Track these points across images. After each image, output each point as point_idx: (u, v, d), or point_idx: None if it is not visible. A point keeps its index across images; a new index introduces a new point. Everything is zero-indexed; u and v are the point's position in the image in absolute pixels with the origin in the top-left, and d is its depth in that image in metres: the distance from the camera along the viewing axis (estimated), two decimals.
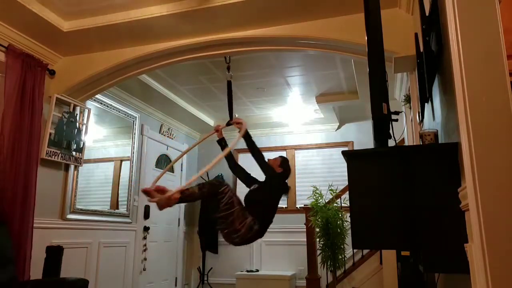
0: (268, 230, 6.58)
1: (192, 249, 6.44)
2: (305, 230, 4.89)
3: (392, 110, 1.93)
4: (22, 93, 3.32)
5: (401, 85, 4.25)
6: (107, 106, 4.72)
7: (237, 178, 5.80)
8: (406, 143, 3.89)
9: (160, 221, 5.58)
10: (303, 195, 6.06)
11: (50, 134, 3.64)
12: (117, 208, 4.82)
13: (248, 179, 3.34)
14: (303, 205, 5.36)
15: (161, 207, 2.71)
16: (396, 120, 1.96)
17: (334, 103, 5.55)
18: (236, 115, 3.35)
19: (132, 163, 5.09)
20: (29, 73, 3.41)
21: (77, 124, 3.96)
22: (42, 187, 3.54)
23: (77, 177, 4.10)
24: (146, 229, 5.23)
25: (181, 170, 6.28)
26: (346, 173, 1.87)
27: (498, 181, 1.28)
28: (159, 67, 3.85)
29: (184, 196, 2.73)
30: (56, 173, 3.85)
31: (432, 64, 2.01)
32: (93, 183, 4.62)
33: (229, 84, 3.59)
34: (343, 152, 1.91)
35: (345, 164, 1.88)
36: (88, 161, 4.31)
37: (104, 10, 3.24)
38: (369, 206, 1.80)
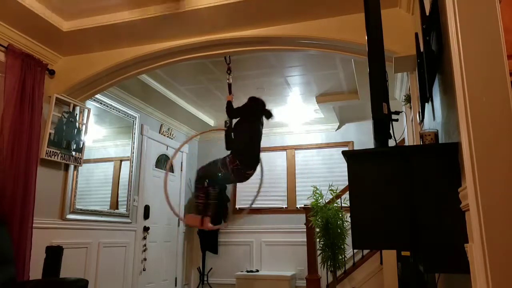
0: (268, 230, 6.65)
1: (192, 249, 6.44)
2: (305, 230, 4.88)
3: (392, 110, 1.93)
4: (22, 93, 3.32)
5: (401, 85, 4.25)
6: (107, 106, 4.72)
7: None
8: (406, 143, 3.89)
9: (160, 221, 5.58)
10: (303, 195, 6.06)
11: (50, 134, 3.64)
12: (117, 208, 4.82)
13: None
14: (303, 205, 5.36)
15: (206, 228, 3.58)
16: (396, 120, 1.96)
17: (334, 103, 5.55)
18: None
19: (132, 163, 5.09)
20: (29, 73, 3.41)
21: (77, 124, 3.96)
22: (42, 187, 3.54)
23: (77, 177, 4.10)
24: (146, 229, 5.23)
25: (181, 170, 6.28)
26: (346, 173, 1.87)
27: (498, 181, 1.27)
28: (159, 67, 3.85)
29: (202, 211, 3.49)
30: (56, 173, 3.84)
31: (432, 64, 2.01)
32: (93, 183, 4.61)
33: (229, 86, 3.71)
34: (343, 152, 1.91)
35: (345, 164, 1.88)
36: (88, 161, 4.30)
37: (104, 10, 3.24)
38: (369, 206, 1.79)
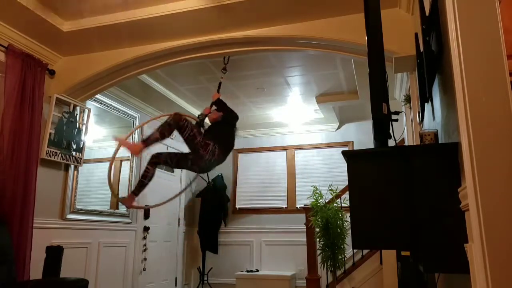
0: (268, 230, 6.63)
1: (192, 249, 6.44)
2: (305, 230, 4.89)
3: (392, 110, 1.93)
4: (22, 93, 3.32)
5: (401, 85, 4.25)
6: (107, 106, 4.72)
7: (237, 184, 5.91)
8: (406, 143, 3.89)
9: (160, 221, 5.58)
10: (303, 195, 6.06)
11: (50, 134, 3.64)
12: (117, 208, 4.82)
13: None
14: (303, 205, 5.36)
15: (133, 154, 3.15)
16: (396, 120, 1.96)
17: (334, 103, 5.55)
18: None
19: (132, 163, 5.09)
20: (29, 73, 3.41)
21: (77, 124, 3.96)
22: (42, 187, 3.54)
23: (77, 177, 4.10)
24: (146, 229, 5.23)
25: (181, 170, 6.28)
26: (346, 173, 1.87)
27: (498, 181, 1.27)
28: (159, 67, 3.86)
29: (148, 142, 3.08)
30: (56, 173, 3.85)
31: (432, 64, 2.01)
32: (93, 183, 4.61)
33: (219, 86, 3.76)
34: (343, 152, 1.91)
35: (345, 164, 1.88)
36: (88, 161, 4.30)
37: (104, 10, 3.25)
38: (369, 206, 1.79)
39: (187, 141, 3.15)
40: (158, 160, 3.30)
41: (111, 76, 3.88)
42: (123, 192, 4.93)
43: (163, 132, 3.07)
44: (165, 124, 3.12)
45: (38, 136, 3.46)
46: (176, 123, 3.10)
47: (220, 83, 3.86)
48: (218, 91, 3.81)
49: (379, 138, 1.88)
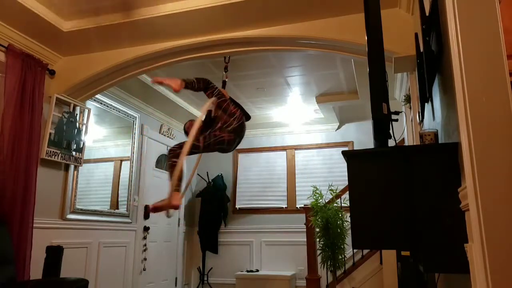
0: (268, 230, 6.63)
1: (192, 249, 6.44)
2: (305, 230, 4.89)
3: (392, 110, 1.93)
4: (22, 93, 3.32)
5: (401, 85, 4.25)
6: (107, 106, 4.72)
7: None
8: (406, 143, 3.89)
9: (160, 221, 5.58)
10: (303, 195, 6.06)
11: (50, 134, 3.65)
12: (117, 208, 4.82)
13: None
14: (303, 205, 5.37)
15: (175, 89, 2.99)
16: (396, 120, 1.96)
17: (334, 103, 5.56)
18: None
19: (132, 163, 5.09)
20: (29, 73, 3.41)
21: (77, 124, 3.96)
22: (42, 187, 3.54)
23: (77, 177, 4.10)
24: (146, 229, 5.23)
25: None
26: (346, 173, 1.87)
27: (498, 181, 1.27)
28: (159, 67, 3.85)
29: (187, 81, 3.07)
30: (56, 173, 3.85)
31: (432, 64, 2.01)
32: (93, 183, 4.61)
33: (223, 84, 3.69)
34: (343, 152, 1.91)
35: (345, 164, 1.88)
36: (88, 161, 4.30)
37: (104, 10, 3.25)
38: (369, 206, 1.79)
39: (218, 100, 3.14)
40: (181, 149, 2.97)
41: (111, 76, 3.88)
42: (123, 193, 4.93)
43: (199, 80, 3.16)
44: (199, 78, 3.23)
45: (38, 136, 3.46)
46: (208, 81, 3.23)
47: (224, 82, 3.78)
48: (223, 88, 3.75)
49: (379, 138, 1.88)
